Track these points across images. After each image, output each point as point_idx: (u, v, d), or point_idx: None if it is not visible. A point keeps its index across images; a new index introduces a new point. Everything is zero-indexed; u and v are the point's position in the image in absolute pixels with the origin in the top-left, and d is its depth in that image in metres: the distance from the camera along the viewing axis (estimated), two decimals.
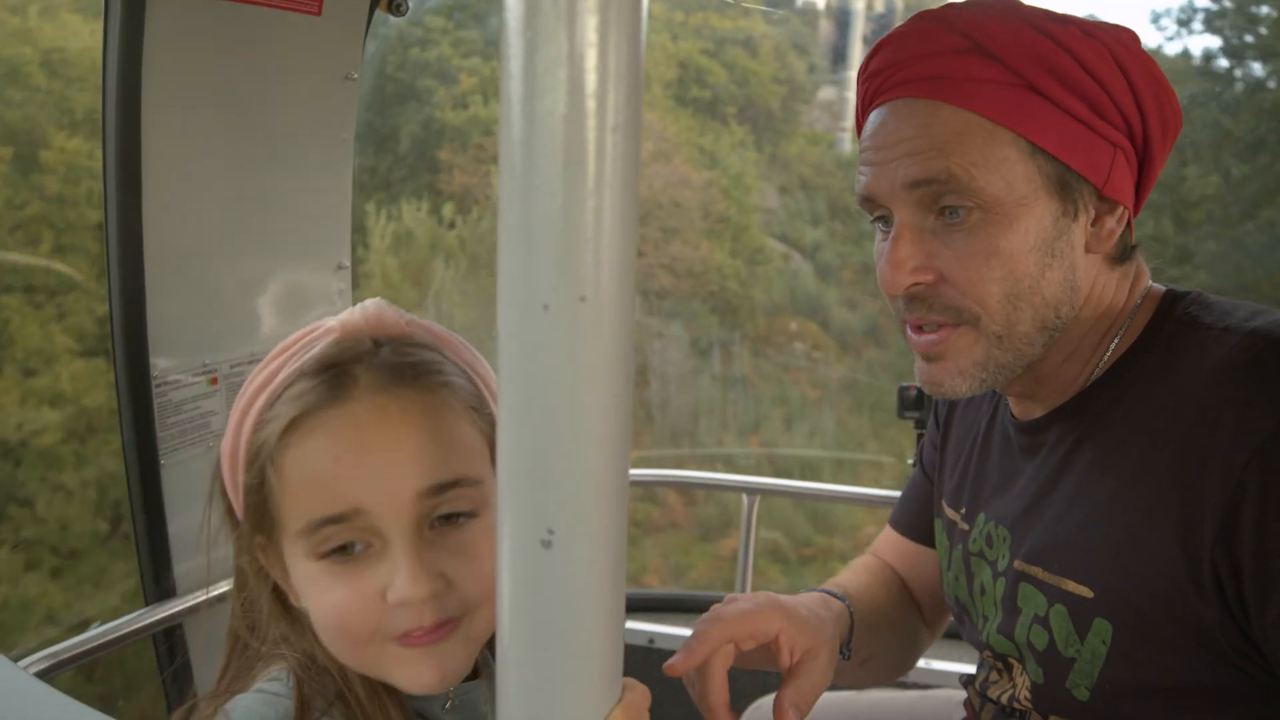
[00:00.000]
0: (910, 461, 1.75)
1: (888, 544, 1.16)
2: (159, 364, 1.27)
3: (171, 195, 1.23)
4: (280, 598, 0.74)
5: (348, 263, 1.53)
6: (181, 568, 1.41)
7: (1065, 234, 0.81)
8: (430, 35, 12.37)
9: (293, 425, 0.67)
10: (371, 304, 0.73)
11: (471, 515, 0.69)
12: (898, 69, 0.82)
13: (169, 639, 1.40)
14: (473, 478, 0.69)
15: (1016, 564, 0.88)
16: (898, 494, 1.75)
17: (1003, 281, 0.79)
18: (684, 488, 2.01)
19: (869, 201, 0.86)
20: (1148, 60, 0.81)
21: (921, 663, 1.73)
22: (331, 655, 0.70)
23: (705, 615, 0.84)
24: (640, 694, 0.50)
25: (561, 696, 0.41)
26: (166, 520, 1.37)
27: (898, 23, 0.88)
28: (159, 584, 1.41)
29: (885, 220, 0.86)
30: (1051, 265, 0.80)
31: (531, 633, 0.40)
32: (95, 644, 1.28)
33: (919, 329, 0.85)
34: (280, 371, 0.71)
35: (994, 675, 0.94)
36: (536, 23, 0.36)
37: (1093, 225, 0.83)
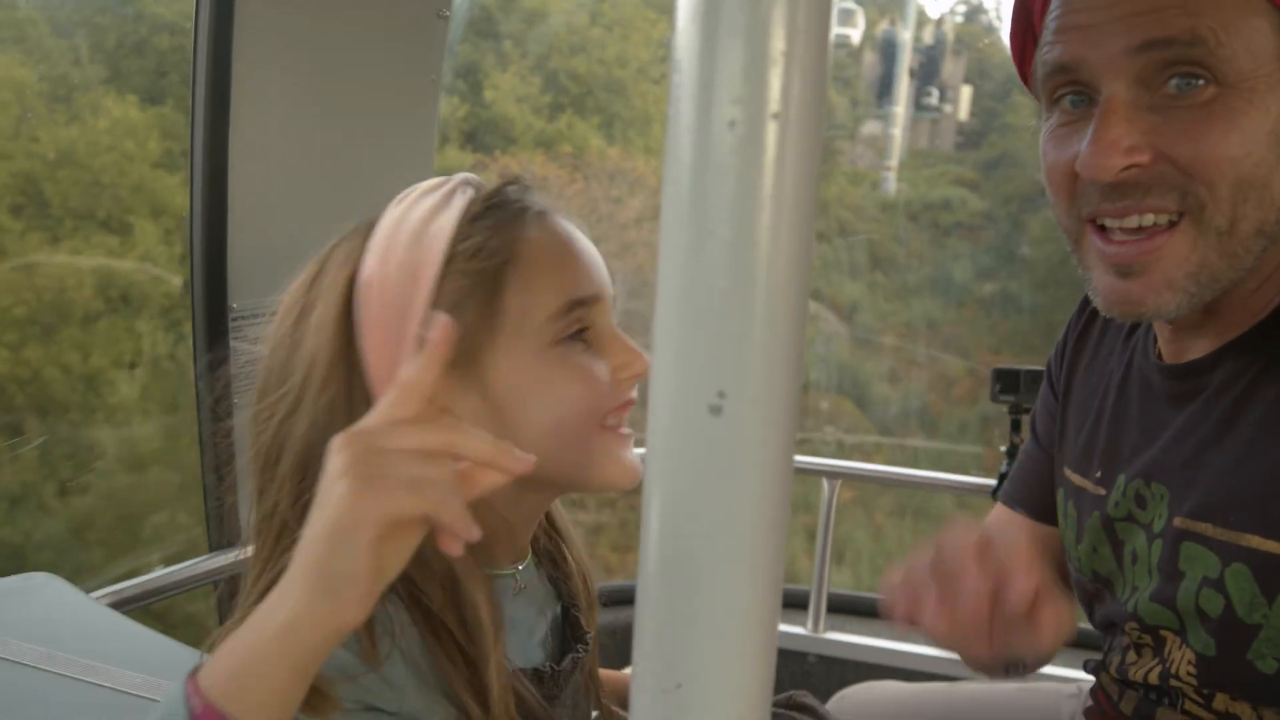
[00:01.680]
0: (1003, 449, 1.66)
1: (1003, 524, 1.04)
2: (238, 303, 1.24)
3: (257, 132, 1.21)
4: None
5: None
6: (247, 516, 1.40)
7: None
8: None
9: (542, 220, 0.74)
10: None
11: None
12: None
13: (231, 587, 1.38)
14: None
15: (1178, 521, 0.77)
16: (992, 481, 1.66)
17: (1236, 164, 0.68)
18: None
19: (1064, 72, 0.73)
20: None
21: None
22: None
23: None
24: None
25: (714, 585, 0.35)
26: (236, 466, 1.35)
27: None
28: (223, 531, 1.40)
29: (1076, 99, 0.74)
30: None
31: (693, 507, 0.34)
32: (157, 585, 1.27)
33: (1111, 237, 0.72)
34: (451, 201, 0.74)
35: (1133, 655, 0.84)
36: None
37: None
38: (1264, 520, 0.71)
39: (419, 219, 0.73)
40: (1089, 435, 0.92)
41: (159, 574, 1.28)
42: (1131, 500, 0.84)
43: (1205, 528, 0.75)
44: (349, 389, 0.71)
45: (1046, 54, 0.75)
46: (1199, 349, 0.81)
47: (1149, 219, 0.71)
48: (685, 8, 0.33)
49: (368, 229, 0.76)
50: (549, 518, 0.86)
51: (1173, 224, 0.71)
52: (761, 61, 0.33)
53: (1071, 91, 0.74)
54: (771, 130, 0.33)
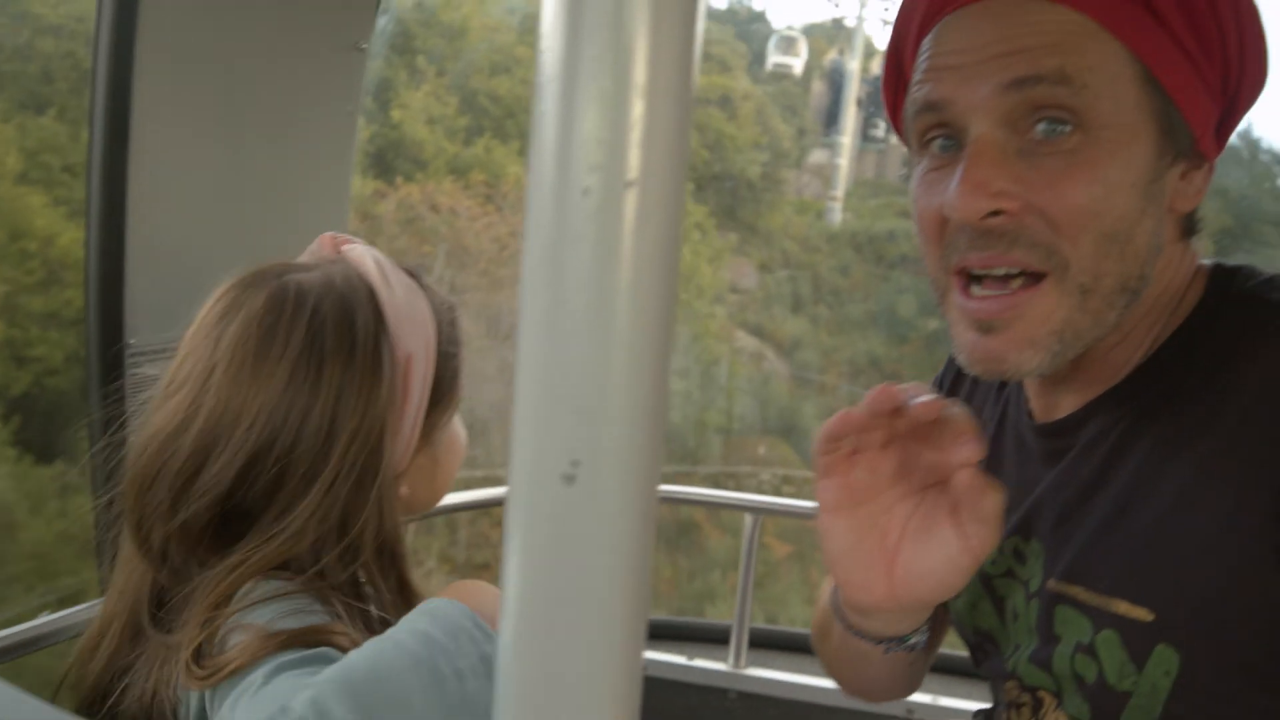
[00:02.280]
0: None
1: None
2: (136, 340, 1.20)
3: (160, 165, 1.17)
4: None
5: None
6: None
7: (1160, 179, 0.70)
8: None
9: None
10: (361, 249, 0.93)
11: None
12: None
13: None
14: None
15: (1051, 583, 0.77)
16: None
17: (1101, 218, 0.67)
18: (682, 504, 1.94)
19: (933, 110, 0.72)
20: (1256, 7, 0.72)
21: (926, 697, 1.65)
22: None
23: None
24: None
25: (573, 653, 0.34)
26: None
27: None
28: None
29: (945, 143, 0.73)
30: (1147, 211, 0.69)
31: (549, 575, 0.34)
32: (42, 632, 1.20)
33: (974, 294, 0.71)
34: (405, 278, 0.92)
35: (1014, 714, 0.83)
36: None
37: (1181, 179, 0.73)
38: (1131, 586, 0.70)
39: (405, 297, 0.89)
40: None
41: (41, 621, 1.20)
42: (1010, 556, 0.84)
43: (1077, 591, 0.74)
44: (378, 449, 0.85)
45: (916, 93, 0.74)
46: (1067, 405, 0.80)
47: (1015, 271, 0.70)
48: (545, 70, 0.33)
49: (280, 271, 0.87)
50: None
51: (1036, 281, 0.70)
52: (618, 128, 0.33)
53: (941, 134, 0.73)
54: (629, 198, 0.33)
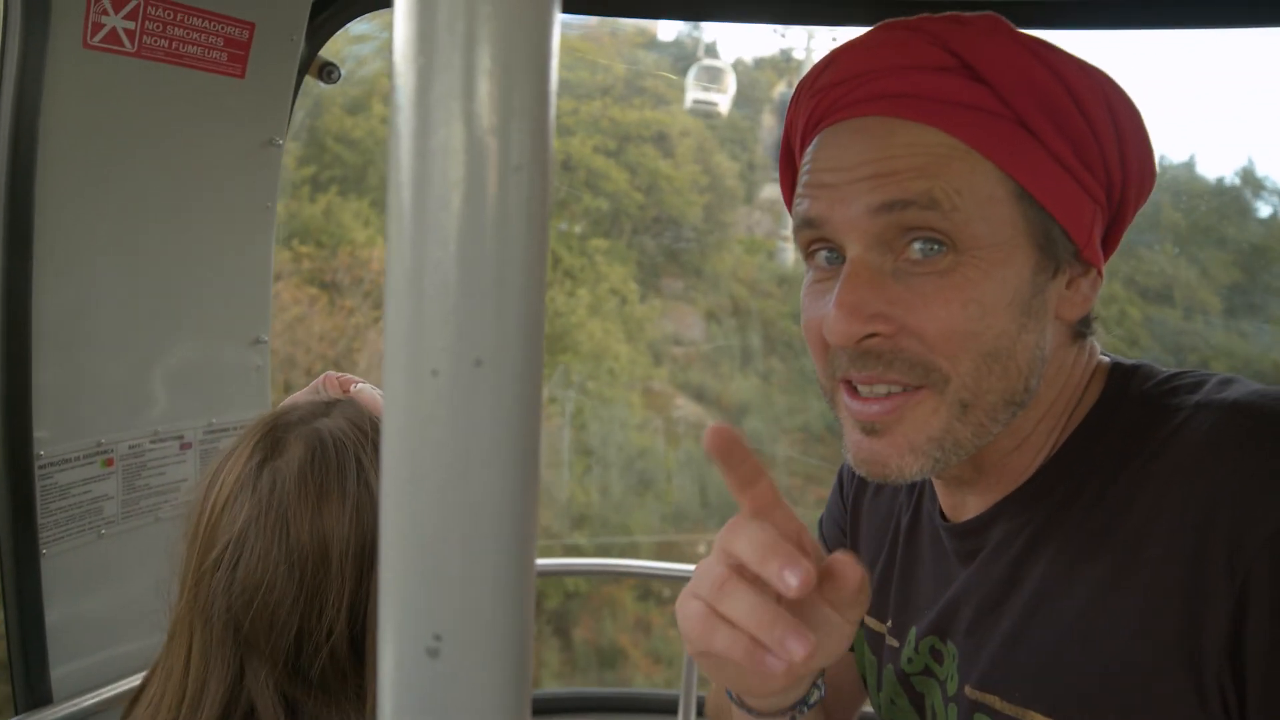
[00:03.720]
0: None
1: None
2: (45, 443, 1.16)
3: (66, 261, 1.15)
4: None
5: (267, 336, 1.45)
6: (59, 671, 1.28)
7: (1041, 293, 0.70)
8: None
9: None
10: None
11: None
12: (864, 82, 0.70)
13: None
14: None
15: (968, 690, 0.75)
16: None
17: (979, 337, 0.67)
18: (621, 577, 1.93)
19: (812, 227, 0.72)
20: (1138, 114, 0.72)
21: None
22: None
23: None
24: None
25: None
26: (45, 617, 1.24)
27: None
28: (33, 690, 1.27)
29: (830, 255, 0.73)
30: (1027, 327, 0.69)
31: None
32: None
33: (860, 395, 0.71)
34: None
35: None
36: (430, 48, 0.32)
37: (1067, 288, 0.73)
38: (1044, 696, 0.69)
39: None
40: (881, 579, 0.91)
41: None
42: (926, 655, 0.83)
43: (993, 700, 0.73)
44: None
45: (797, 206, 0.74)
46: (974, 506, 0.80)
47: (897, 389, 0.70)
48: (392, 257, 0.34)
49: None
50: None
51: (916, 390, 0.69)
52: (470, 309, 0.34)
53: (824, 247, 0.73)
54: (479, 377, 0.34)
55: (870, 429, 0.71)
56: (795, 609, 0.63)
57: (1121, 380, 0.75)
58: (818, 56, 0.82)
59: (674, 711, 1.83)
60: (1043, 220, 0.69)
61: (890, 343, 0.69)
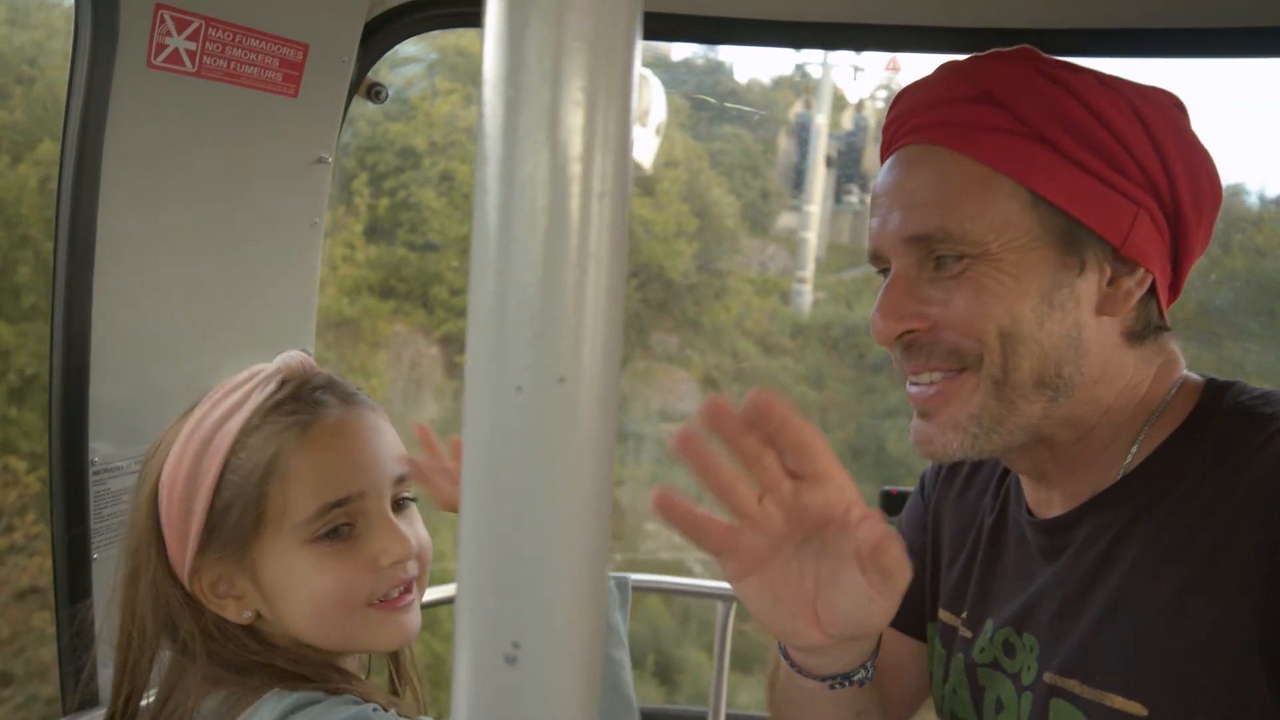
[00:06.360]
0: None
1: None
2: (99, 451, 1.19)
3: (126, 275, 1.19)
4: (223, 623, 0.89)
5: (312, 349, 1.49)
6: (107, 674, 1.30)
7: (1066, 286, 0.79)
8: None
9: (304, 432, 0.86)
10: (295, 354, 0.93)
11: (413, 499, 0.94)
12: (910, 116, 0.84)
13: None
14: (409, 473, 0.92)
15: (1047, 676, 0.80)
16: None
17: (998, 320, 0.78)
18: (651, 593, 1.93)
19: (877, 258, 0.86)
20: (1181, 122, 0.80)
21: None
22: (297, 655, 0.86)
23: None
24: None
25: None
26: (95, 621, 1.27)
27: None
28: (81, 692, 1.30)
29: (887, 270, 0.86)
30: (1050, 316, 0.79)
31: None
32: None
33: (918, 384, 0.83)
34: (241, 408, 0.87)
35: None
36: (519, 79, 0.34)
37: (1108, 285, 0.80)
38: (1125, 681, 0.74)
39: (210, 427, 0.87)
40: (960, 575, 0.95)
41: None
42: (999, 648, 0.87)
43: (1073, 685, 0.78)
44: (159, 567, 0.88)
45: (869, 225, 0.87)
46: (1059, 504, 0.86)
47: (938, 377, 0.82)
48: (475, 278, 0.36)
49: (187, 416, 0.91)
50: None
51: (958, 373, 0.80)
52: (554, 329, 0.35)
53: (884, 266, 0.86)
54: (561, 394, 0.35)
55: (923, 412, 0.83)
56: (828, 575, 0.68)
57: (1215, 394, 0.81)
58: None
59: None
60: (1064, 222, 0.78)
61: (928, 336, 0.81)
